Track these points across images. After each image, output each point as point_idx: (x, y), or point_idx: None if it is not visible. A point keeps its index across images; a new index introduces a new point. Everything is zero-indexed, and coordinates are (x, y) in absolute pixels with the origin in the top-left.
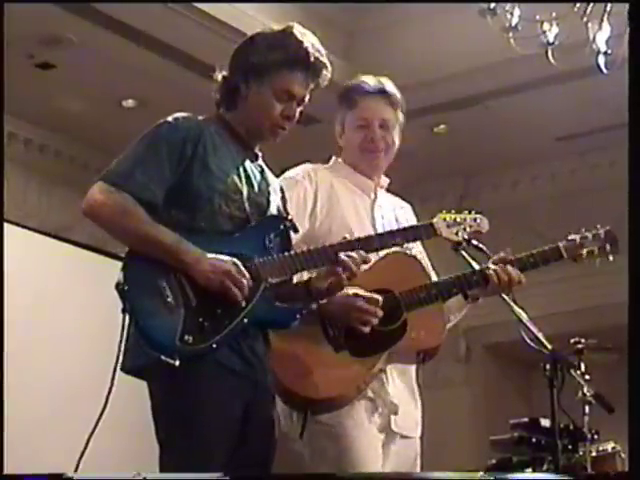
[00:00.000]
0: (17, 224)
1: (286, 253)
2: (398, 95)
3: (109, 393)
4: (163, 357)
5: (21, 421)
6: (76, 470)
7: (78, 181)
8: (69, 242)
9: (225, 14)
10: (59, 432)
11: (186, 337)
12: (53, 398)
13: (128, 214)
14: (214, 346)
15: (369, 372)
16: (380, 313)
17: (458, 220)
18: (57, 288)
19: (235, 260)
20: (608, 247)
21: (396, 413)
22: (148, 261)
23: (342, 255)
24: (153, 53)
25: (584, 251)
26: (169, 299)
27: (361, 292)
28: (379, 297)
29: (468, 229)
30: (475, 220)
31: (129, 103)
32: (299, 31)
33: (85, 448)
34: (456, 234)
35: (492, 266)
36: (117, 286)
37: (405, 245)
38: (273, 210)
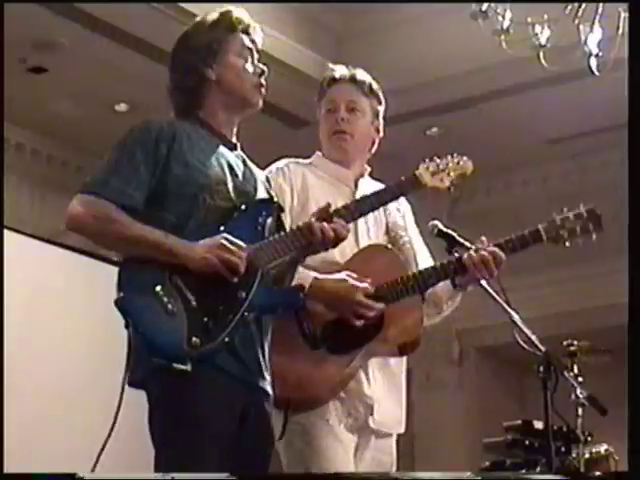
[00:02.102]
0: (10, 229)
1: (276, 235)
2: (371, 83)
3: (118, 409)
4: (175, 365)
5: (16, 423)
6: (93, 470)
7: (71, 186)
8: (63, 247)
9: None
10: (55, 434)
11: (194, 340)
12: (48, 401)
13: (111, 220)
14: (223, 342)
15: (346, 370)
16: (376, 307)
17: (441, 166)
18: (51, 293)
19: (224, 235)
20: (591, 226)
21: (372, 413)
22: (141, 271)
23: (317, 227)
24: (145, 57)
25: (565, 232)
26: (169, 306)
27: (360, 284)
28: (372, 291)
29: (452, 173)
30: (458, 163)
31: (122, 107)
32: (220, 8)
33: (100, 454)
34: (441, 181)
35: (467, 253)
36: (116, 303)
37: (399, 233)
38: (261, 196)
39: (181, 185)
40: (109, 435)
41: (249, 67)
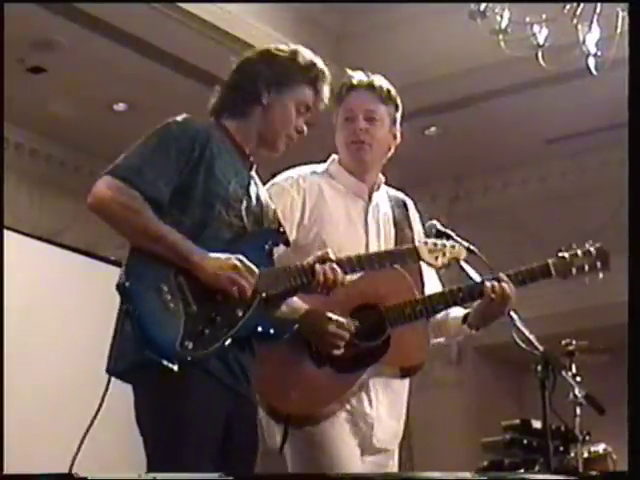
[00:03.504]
0: (8, 228)
1: (281, 266)
2: (389, 89)
3: (104, 395)
4: (164, 361)
5: (14, 423)
6: (71, 469)
7: (69, 185)
8: (60, 246)
9: (217, 18)
10: (52, 434)
11: (186, 343)
12: (45, 400)
13: (136, 211)
14: (213, 352)
15: (350, 388)
16: (347, 337)
17: (438, 247)
18: (49, 292)
19: (239, 256)
20: (599, 264)
21: (371, 433)
22: (149, 264)
23: (319, 271)
24: (144, 57)
25: (574, 269)
26: (170, 303)
27: (333, 316)
28: (349, 323)
29: (447, 255)
30: (453, 247)
31: (120, 107)
32: (309, 53)
33: (79, 447)
34: (436, 259)
35: (488, 283)
36: (118, 286)
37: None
38: (267, 221)
39: (202, 192)
40: (91, 424)
41: (296, 120)
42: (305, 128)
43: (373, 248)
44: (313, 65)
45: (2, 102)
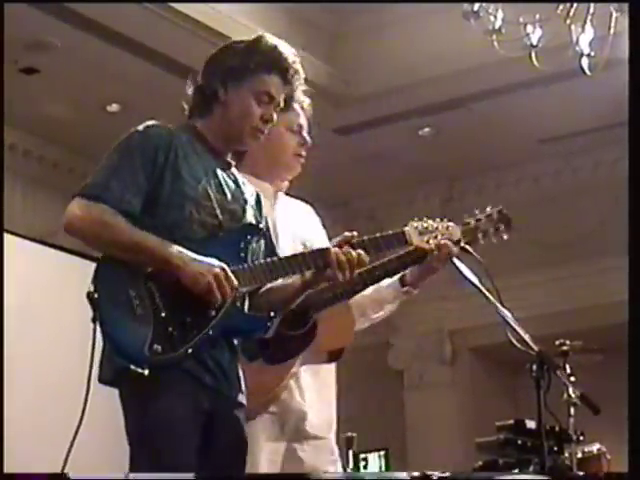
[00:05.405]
0: (2, 230)
1: (257, 262)
2: None
3: (85, 403)
4: (132, 367)
5: (14, 423)
6: (62, 470)
7: (62, 186)
8: (54, 247)
9: (209, 19)
10: (45, 435)
11: (155, 346)
12: (39, 401)
13: (108, 225)
14: (184, 354)
15: (283, 380)
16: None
17: (429, 228)
18: (43, 293)
19: (224, 265)
20: (502, 227)
21: (304, 419)
22: (118, 270)
23: (342, 256)
24: (137, 57)
25: (480, 234)
26: (138, 309)
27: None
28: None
29: (439, 237)
30: (447, 228)
31: (113, 108)
32: (272, 38)
33: (69, 451)
34: (427, 242)
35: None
36: (88, 295)
37: (307, 238)
38: (249, 218)
39: (171, 195)
40: (77, 429)
41: (257, 110)
42: (274, 116)
43: (284, 241)
44: (272, 50)
45: (2, 102)
